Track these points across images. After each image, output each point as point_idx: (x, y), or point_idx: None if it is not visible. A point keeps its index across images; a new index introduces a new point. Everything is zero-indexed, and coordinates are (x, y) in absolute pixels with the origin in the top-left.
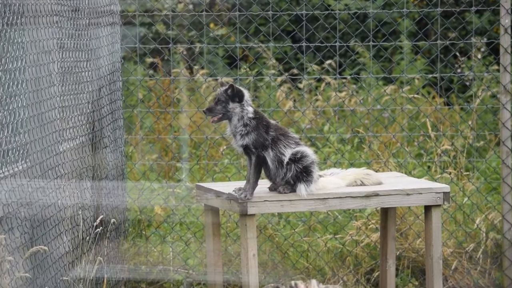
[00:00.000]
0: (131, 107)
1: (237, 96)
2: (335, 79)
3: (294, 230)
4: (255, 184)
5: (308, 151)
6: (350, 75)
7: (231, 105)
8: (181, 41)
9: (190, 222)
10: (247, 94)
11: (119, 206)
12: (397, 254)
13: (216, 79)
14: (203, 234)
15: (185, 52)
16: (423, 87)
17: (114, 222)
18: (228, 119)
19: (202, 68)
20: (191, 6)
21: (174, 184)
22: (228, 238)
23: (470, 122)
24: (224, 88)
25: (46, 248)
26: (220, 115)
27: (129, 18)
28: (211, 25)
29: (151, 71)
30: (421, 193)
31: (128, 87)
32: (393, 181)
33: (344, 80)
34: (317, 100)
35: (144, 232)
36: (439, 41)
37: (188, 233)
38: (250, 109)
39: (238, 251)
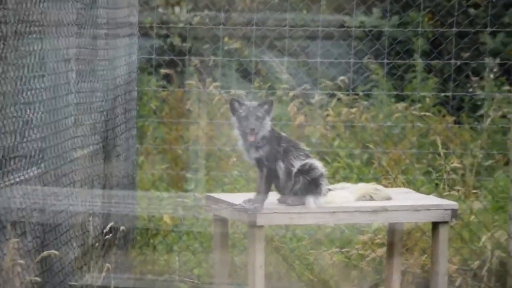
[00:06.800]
0: (144, 117)
1: (272, 111)
2: (347, 95)
3: (301, 243)
4: (266, 195)
5: (317, 163)
6: (363, 91)
7: (267, 120)
8: (195, 54)
9: (197, 232)
10: None
11: (129, 214)
12: (402, 269)
13: (229, 92)
14: (210, 244)
15: (199, 65)
16: (434, 105)
17: (123, 230)
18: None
19: (215, 81)
20: (207, 20)
21: (183, 194)
22: (235, 249)
23: (479, 141)
24: (260, 102)
25: (57, 252)
26: (258, 132)
27: (147, 29)
28: (226, 38)
29: (164, 82)
30: (429, 210)
31: (141, 97)
32: (401, 197)
33: (355, 97)
34: (328, 115)
35: (151, 241)
36: (453, 61)
37: (195, 243)
38: (269, 122)
39: (244, 262)
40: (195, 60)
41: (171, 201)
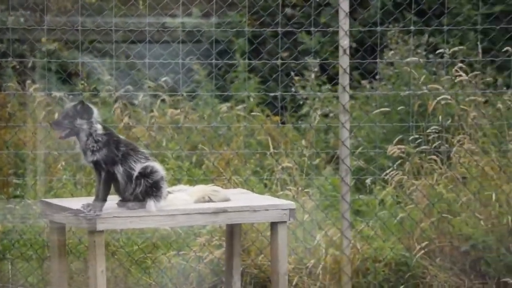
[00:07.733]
0: None
1: (86, 113)
2: (171, 96)
3: (138, 246)
4: (104, 200)
5: (158, 166)
6: (187, 92)
7: (79, 121)
8: (13, 55)
9: (29, 239)
10: (96, 112)
11: None
12: (240, 270)
13: (50, 94)
14: (44, 251)
15: (18, 66)
16: (257, 105)
17: None
18: (76, 135)
19: (34, 82)
20: (22, 20)
21: (12, 200)
22: (71, 255)
23: (305, 141)
24: (73, 103)
25: None
26: (67, 130)
27: None
28: (45, 39)
29: None
30: (268, 210)
31: None
32: (240, 197)
33: (180, 97)
34: (153, 117)
35: None
36: (279, 61)
37: (29, 250)
38: (99, 126)
39: (81, 268)
40: (13, 62)
41: (0, 208)
